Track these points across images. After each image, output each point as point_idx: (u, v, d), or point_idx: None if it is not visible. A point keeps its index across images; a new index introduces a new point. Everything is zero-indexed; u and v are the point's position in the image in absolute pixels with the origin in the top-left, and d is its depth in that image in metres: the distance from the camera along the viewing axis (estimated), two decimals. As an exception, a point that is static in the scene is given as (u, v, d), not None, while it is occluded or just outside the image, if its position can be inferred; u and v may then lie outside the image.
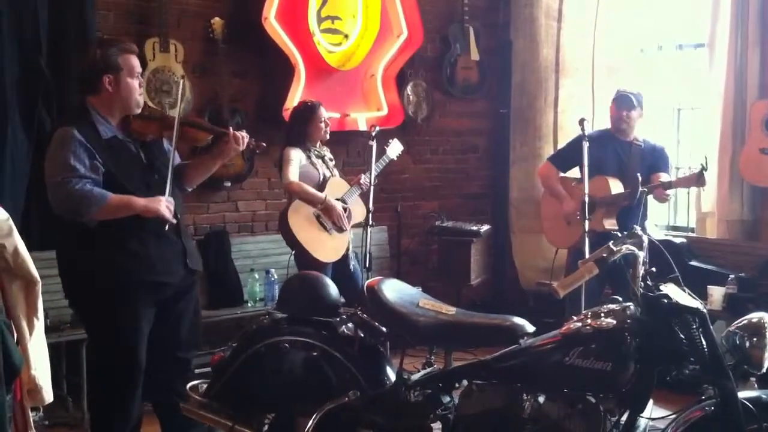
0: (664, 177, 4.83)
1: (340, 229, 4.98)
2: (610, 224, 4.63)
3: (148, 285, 3.49)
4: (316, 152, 5.07)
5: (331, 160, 5.18)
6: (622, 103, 5.02)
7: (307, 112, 5.05)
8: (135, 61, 3.51)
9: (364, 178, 5.02)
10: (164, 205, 3.39)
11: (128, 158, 3.50)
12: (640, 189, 4.52)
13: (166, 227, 3.39)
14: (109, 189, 3.38)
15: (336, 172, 5.17)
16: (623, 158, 4.94)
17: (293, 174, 4.86)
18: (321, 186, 4.97)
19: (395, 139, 5.42)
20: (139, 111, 3.53)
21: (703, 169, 4.60)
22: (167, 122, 3.55)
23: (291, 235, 4.89)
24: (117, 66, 3.44)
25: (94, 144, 3.39)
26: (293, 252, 4.94)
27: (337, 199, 5.00)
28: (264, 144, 3.77)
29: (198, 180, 3.81)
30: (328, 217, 4.94)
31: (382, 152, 5.25)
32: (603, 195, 4.82)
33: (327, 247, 4.95)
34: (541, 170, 5.35)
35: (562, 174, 5.27)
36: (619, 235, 3.03)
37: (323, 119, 5.05)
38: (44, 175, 3.44)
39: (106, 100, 3.47)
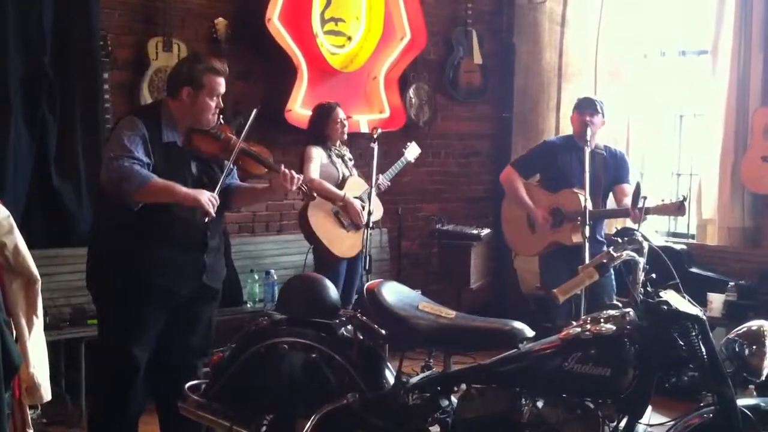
0: (627, 188, 4.72)
1: (357, 227, 5.06)
2: (578, 239, 4.57)
3: (159, 289, 3.50)
4: (336, 151, 5.18)
5: (350, 159, 5.28)
6: (586, 107, 4.82)
7: (324, 113, 5.17)
8: (220, 84, 3.53)
9: (381, 179, 5.15)
10: (207, 197, 3.38)
11: (179, 166, 3.51)
12: (641, 197, 4.47)
13: (206, 219, 3.40)
14: None
15: (355, 171, 5.26)
16: (589, 167, 4.78)
17: (314, 171, 4.97)
18: (340, 185, 5.09)
19: (413, 143, 5.53)
20: (206, 128, 3.56)
21: (684, 199, 4.50)
22: (228, 147, 3.55)
23: (310, 230, 5.00)
24: (200, 83, 3.49)
25: (152, 142, 3.44)
26: (311, 247, 5.04)
27: (355, 197, 5.10)
28: (315, 195, 3.90)
29: (242, 205, 3.89)
30: (346, 215, 5.06)
31: (391, 159, 5.34)
32: (575, 209, 4.71)
33: (344, 243, 5.06)
34: (502, 175, 5.16)
35: (524, 180, 5.10)
36: (619, 240, 3.02)
37: (340, 119, 5.15)
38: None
39: (180, 109, 3.52)
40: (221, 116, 3.65)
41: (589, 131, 4.69)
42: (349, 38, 6.20)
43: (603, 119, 4.87)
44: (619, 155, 4.99)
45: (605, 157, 4.88)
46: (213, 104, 3.53)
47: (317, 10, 5.92)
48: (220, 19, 5.58)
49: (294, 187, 3.63)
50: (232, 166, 3.60)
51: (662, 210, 4.52)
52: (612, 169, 4.86)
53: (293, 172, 3.61)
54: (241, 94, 5.76)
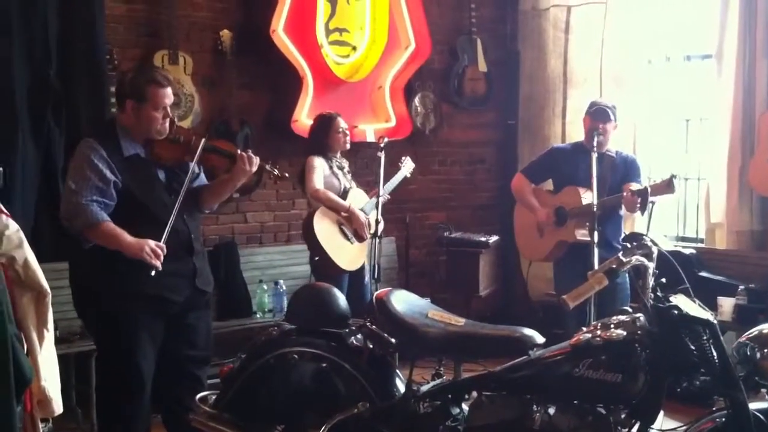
0: (634, 186, 4.73)
1: (361, 239, 5.03)
2: (582, 235, 4.58)
3: (152, 298, 3.49)
4: (337, 163, 5.13)
5: (348, 172, 5.22)
6: (599, 116, 4.81)
7: (325, 123, 5.11)
8: (163, 96, 3.49)
9: (382, 192, 5.00)
10: (147, 250, 3.36)
11: (147, 177, 3.53)
12: (650, 199, 4.46)
13: (152, 273, 3.38)
14: (128, 206, 3.43)
15: (354, 183, 5.20)
16: (596, 169, 4.79)
17: (318, 182, 4.92)
18: (342, 197, 5.03)
19: (408, 157, 5.47)
20: (160, 138, 3.55)
21: (673, 176, 4.48)
22: (190, 148, 3.57)
23: (315, 241, 4.92)
24: (143, 96, 3.47)
25: (114, 159, 3.44)
26: (316, 258, 4.95)
27: (360, 209, 5.05)
28: (287, 174, 3.83)
29: (214, 203, 3.85)
30: (350, 226, 5.00)
31: (396, 170, 5.32)
32: (576, 205, 4.72)
33: (348, 255, 5.00)
34: (513, 183, 5.19)
35: (535, 186, 5.12)
36: (628, 246, 3.02)
37: (341, 129, 5.10)
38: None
39: (128, 121, 3.52)
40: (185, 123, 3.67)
41: (600, 138, 4.70)
42: (354, 48, 6.21)
43: (615, 124, 4.88)
44: (630, 159, 4.99)
45: (615, 159, 4.88)
46: (159, 115, 3.50)
47: (321, 20, 5.94)
48: (225, 31, 5.60)
49: (254, 168, 3.64)
50: (197, 169, 3.61)
51: (653, 190, 4.48)
52: (620, 172, 4.86)
53: (250, 153, 3.63)
54: (246, 105, 5.78)
